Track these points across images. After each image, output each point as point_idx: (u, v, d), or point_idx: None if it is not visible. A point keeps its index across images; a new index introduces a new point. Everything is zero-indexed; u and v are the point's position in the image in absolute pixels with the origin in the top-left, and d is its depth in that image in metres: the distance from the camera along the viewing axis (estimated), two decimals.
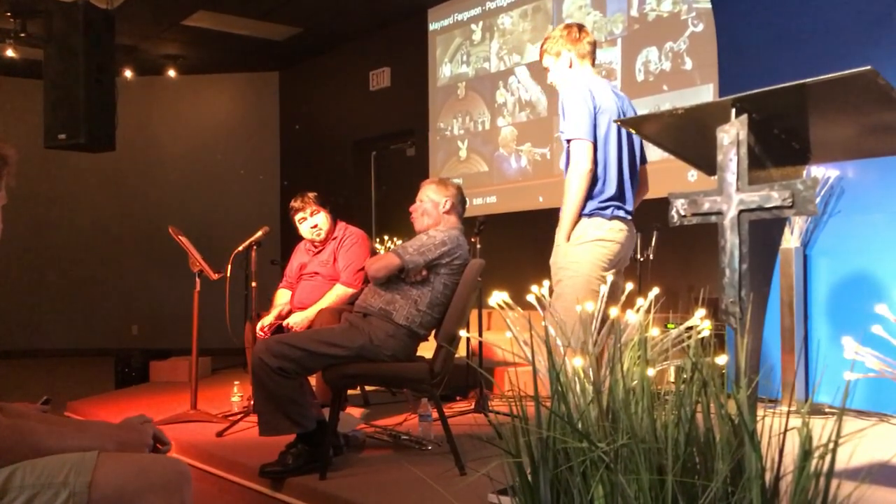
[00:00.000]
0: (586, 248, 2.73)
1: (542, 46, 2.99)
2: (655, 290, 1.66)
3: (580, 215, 2.77)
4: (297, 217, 4.09)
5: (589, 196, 2.75)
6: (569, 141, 2.78)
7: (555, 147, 6.12)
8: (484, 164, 6.73)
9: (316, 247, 4.18)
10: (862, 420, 3.50)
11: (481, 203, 6.69)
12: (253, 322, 4.09)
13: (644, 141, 2.91)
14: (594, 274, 2.68)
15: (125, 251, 8.93)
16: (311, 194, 4.10)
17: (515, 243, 6.08)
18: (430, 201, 3.26)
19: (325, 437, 2.91)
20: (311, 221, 4.08)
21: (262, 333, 3.87)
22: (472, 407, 4.13)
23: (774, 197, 1.51)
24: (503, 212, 6.44)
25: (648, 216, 3.65)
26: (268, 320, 3.95)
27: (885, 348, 1.85)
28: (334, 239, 4.15)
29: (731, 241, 1.56)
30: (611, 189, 2.79)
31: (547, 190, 6.12)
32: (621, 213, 2.81)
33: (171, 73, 8.59)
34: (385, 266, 3.09)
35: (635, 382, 1.30)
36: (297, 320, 3.86)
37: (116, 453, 1.49)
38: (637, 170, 2.98)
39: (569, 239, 2.74)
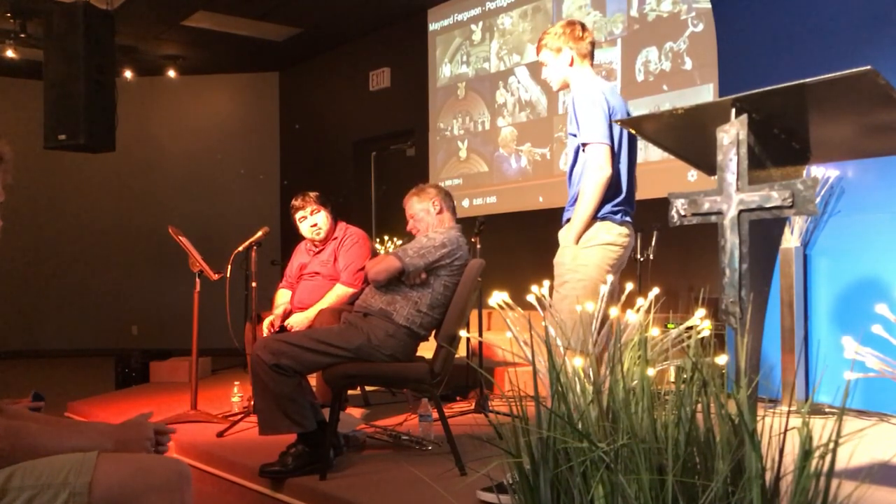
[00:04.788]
0: (595, 251, 2.71)
1: (540, 41, 2.90)
2: (655, 290, 1.66)
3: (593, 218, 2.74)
4: (298, 216, 4.10)
5: (603, 200, 2.72)
6: (584, 144, 2.71)
7: (555, 147, 6.12)
8: (484, 164, 6.73)
9: (316, 246, 4.18)
10: (862, 420, 3.49)
11: (481, 203, 6.69)
12: (253, 322, 4.09)
13: (639, 141, 2.89)
14: (600, 277, 2.67)
15: (125, 251, 8.93)
16: (312, 193, 4.11)
17: (515, 243, 6.09)
18: (420, 212, 3.29)
19: (326, 437, 2.91)
20: (312, 220, 4.08)
21: (271, 330, 3.89)
22: (472, 407, 4.13)
23: (774, 197, 1.51)
24: (503, 212, 6.44)
25: (648, 216, 3.65)
26: (277, 321, 3.96)
27: (886, 348, 1.84)
28: (334, 239, 4.15)
29: (731, 240, 1.56)
30: (622, 193, 2.78)
31: (547, 190, 6.12)
32: (628, 219, 2.80)
33: (171, 73, 8.60)
34: (385, 269, 3.09)
35: (635, 382, 1.30)
36: (298, 321, 3.86)
37: (116, 454, 1.49)
38: (635, 172, 2.97)
39: (578, 241, 2.72)
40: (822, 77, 1.45)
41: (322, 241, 4.15)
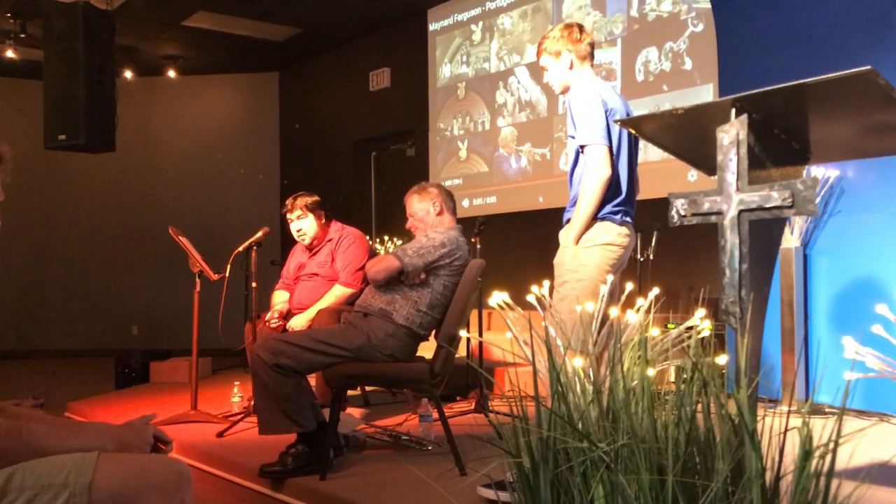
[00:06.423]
0: (595, 251, 2.71)
1: (539, 45, 2.92)
2: (655, 290, 1.66)
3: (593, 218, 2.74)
4: (287, 217, 4.14)
5: (603, 200, 2.72)
6: (583, 146, 2.72)
7: (555, 147, 6.12)
8: (484, 164, 6.73)
9: (312, 248, 4.19)
10: (862, 420, 3.49)
11: (481, 203, 6.69)
12: (253, 323, 4.09)
13: (639, 141, 2.89)
14: (600, 277, 2.68)
15: (125, 252, 8.93)
16: (303, 198, 4.09)
17: (515, 243, 6.09)
18: (419, 211, 3.29)
19: (326, 437, 2.91)
20: (297, 225, 4.11)
21: (276, 319, 3.90)
22: (473, 407, 4.13)
23: (774, 197, 1.51)
24: (503, 212, 6.44)
25: (648, 216, 3.65)
26: (276, 313, 3.97)
27: (886, 348, 1.85)
28: (329, 240, 4.16)
29: (731, 241, 1.56)
30: (622, 193, 2.78)
31: (547, 190, 6.12)
32: (628, 219, 2.80)
33: (171, 73, 8.60)
34: (385, 269, 3.10)
35: (635, 382, 1.30)
36: (298, 323, 3.86)
37: (116, 454, 1.49)
38: (636, 172, 2.97)
39: (578, 242, 2.73)
40: (822, 77, 1.45)
41: (317, 243, 4.16)
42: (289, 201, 4.13)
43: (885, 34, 3.68)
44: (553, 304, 2.64)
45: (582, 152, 2.73)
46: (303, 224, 4.10)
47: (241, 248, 4.22)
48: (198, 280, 4.17)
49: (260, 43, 8.01)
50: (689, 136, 1.89)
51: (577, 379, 1.36)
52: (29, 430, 1.47)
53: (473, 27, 6.85)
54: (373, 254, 4.19)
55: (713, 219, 1.59)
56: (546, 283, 1.82)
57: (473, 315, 4.29)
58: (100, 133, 5.78)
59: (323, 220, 4.15)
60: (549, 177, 6.14)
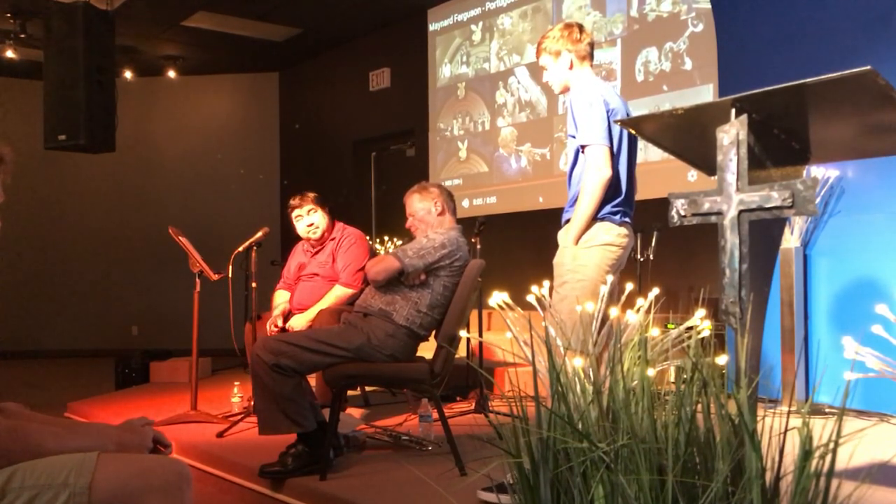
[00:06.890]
0: (595, 251, 2.71)
1: (539, 45, 2.92)
2: (655, 291, 1.66)
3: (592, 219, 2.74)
4: (295, 214, 4.12)
5: (602, 200, 2.72)
6: (584, 146, 2.72)
7: (555, 147, 6.12)
8: (484, 164, 6.73)
9: (314, 247, 4.19)
10: (862, 420, 3.50)
11: (481, 203, 6.68)
12: (253, 323, 4.09)
13: (639, 141, 2.89)
14: (599, 278, 2.68)
15: (125, 252, 8.93)
16: (310, 193, 4.12)
17: (515, 243, 6.09)
18: (420, 211, 3.28)
19: (326, 437, 2.91)
20: (308, 220, 4.09)
21: (274, 329, 3.90)
22: (473, 407, 4.13)
23: (774, 197, 1.51)
24: (503, 212, 6.44)
25: (648, 216, 3.65)
26: (279, 320, 3.97)
27: (886, 348, 1.85)
28: (332, 240, 4.16)
29: (731, 241, 1.56)
30: (622, 194, 2.78)
31: (547, 190, 6.12)
32: (627, 219, 2.80)
33: (171, 73, 8.60)
34: (385, 269, 3.09)
35: (635, 382, 1.30)
36: (299, 323, 3.87)
37: (116, 454, 1.49)
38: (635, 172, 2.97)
39: (577, 242, 2.73)
40: (822, 77, 1.45)
41: (319, 242, 4.16)
42: (296, 199, 4.11)
43: (885, 34, 3.68)
44: (553, 305, 2.64)
45: (582, 152, 2.73)
46: (314, 218, 4.10)
47: (241, 249, 4.21)
48: (198, 280, 4.17)
49: (260, 43, 8.01)
50: (689, 136, 1.89)
51: (577, 379, 1.36)
52: (29, 431, 1.47)
53: (473, 27, 6.85)
54: (373, 254, 4.19)
55: (713, 219, 1.59)
56: (546, 283, 1.82)
57: (473, 315, 4.29)
58: (100, 133, 5.79)
59: (329, 216, 4.16)
60: (549, 177, 6.14)
